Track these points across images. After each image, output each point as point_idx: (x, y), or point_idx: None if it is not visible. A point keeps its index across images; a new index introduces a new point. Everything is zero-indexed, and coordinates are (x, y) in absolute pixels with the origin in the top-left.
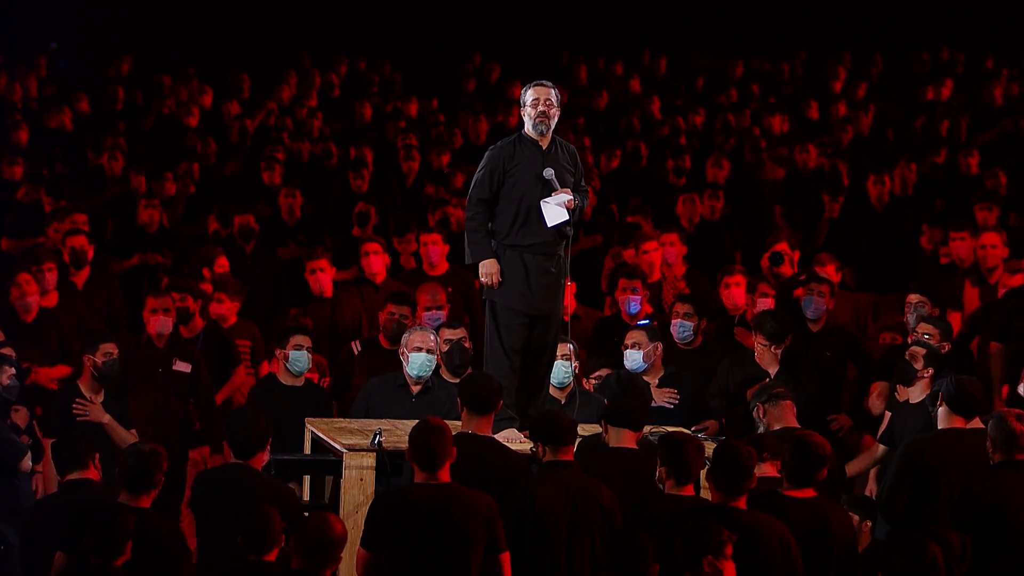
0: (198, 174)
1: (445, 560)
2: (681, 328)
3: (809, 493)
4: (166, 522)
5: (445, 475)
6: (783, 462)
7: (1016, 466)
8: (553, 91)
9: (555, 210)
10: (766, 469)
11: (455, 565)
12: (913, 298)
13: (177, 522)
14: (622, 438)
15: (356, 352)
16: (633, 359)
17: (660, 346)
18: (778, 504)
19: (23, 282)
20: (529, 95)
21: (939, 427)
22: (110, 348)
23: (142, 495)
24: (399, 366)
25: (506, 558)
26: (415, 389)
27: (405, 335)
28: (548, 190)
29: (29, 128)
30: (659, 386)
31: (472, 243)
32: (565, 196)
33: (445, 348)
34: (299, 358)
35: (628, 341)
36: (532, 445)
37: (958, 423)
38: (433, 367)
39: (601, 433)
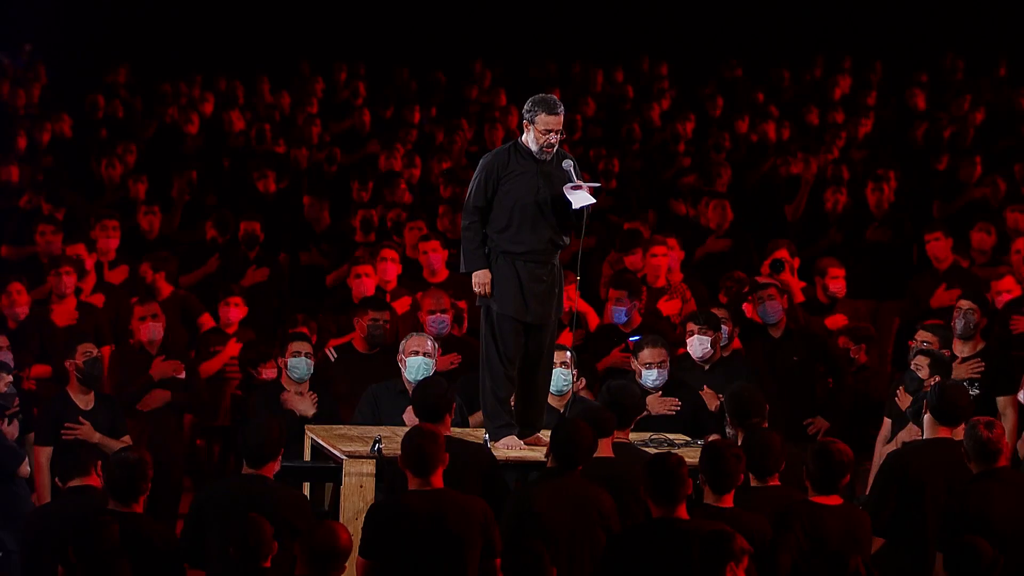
0: (196, 181)
1: (441, 565)
2: (699, 343)
3: (836, 500)
4: (158, 525)
5: (438, 481)
6: (807, 470)
7: (994, 475)
8: (563, 117)
9: (580, 194)
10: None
11: (451, 570)
12: (964, 304)
13: (173, 526)
14: (599, 448)
15: (332, 359)
16: (656, 377)
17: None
18: (809, 513)
19: (14, 291)
20: (540, 120)
21: (924, 436)
22: (88, 348)
23: (132, 503)
24: (377, 371)
25: (500, 563)
26: None
27: (403, 341)
28: (567, 180)
29: (29, 135)
30: (663, 395)
31: (466, 253)
32: (589, 184)
33: None
34: (297, 365)
35: (653, 360)
36: (544, 453)
37: (943, 432)
38: (431, 371)
39: None
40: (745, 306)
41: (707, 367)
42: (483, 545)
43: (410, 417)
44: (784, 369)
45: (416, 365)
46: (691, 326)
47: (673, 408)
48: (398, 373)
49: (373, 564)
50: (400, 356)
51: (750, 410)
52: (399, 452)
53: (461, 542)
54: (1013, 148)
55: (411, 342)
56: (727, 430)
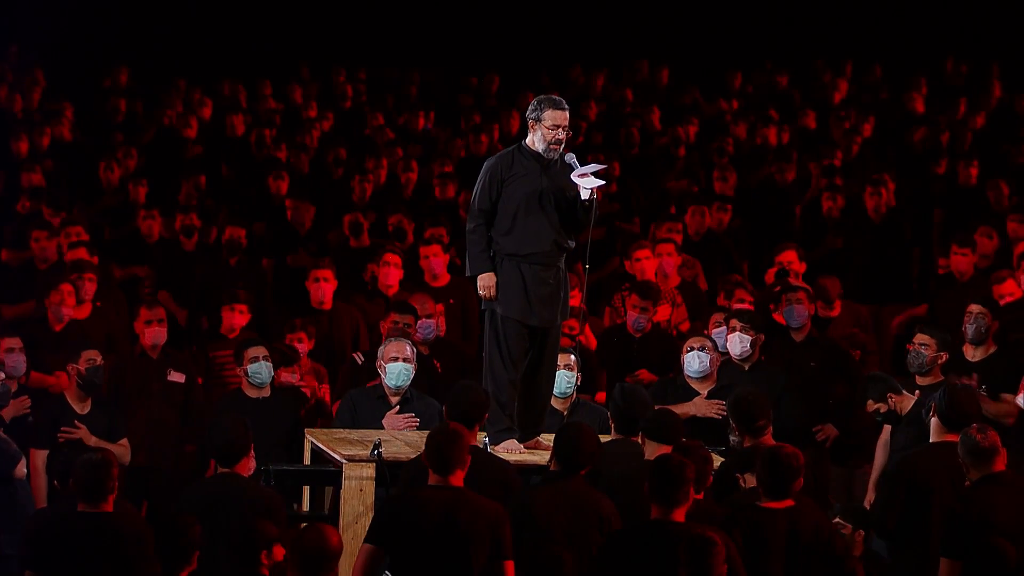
0: (204, 186)
1: (448, 562)
2: (739, 340)
3: (787, 503)
4: (130, 522)
5: (458, 480)
6: (757, 476)
7: (995, 479)
8: (568, 113)
9: (587, 180)
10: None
11: (457, 568)
12: (974, 308)
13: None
14: (660, 451)
15: (360, 363)
16: (698, 360)
17: (720, 358)
18: (753, 516)
19: (65, 292)
20: (548, 116)
21: (931, 440)
22: (92, 355)
23: (100, 502)
24: None
25: (511, 566)
26: (394, 400)
27: (380, 347)
28: (570, 171)
29: (29, 139)
30: (708, 398)
31: (471, 256)
32: (593, 166)
33: None
34: (258, 370)
35: (694, 344)
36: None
37: (950, 437)
38: (411, 377)
39: (613, 441)
40: (772, 306)
41: (746, 367)
42: (492, 546)
43: (390, 422)
44: (800, 374)
45: (397, 371)
46: (734, 323)
47: (720, 411)
48: (426, 375)
49: (376, 551)
50: (379, 362)
51: (755, 414)
52: (400, 455)
53: (469, 541)
54: (1013, 153)
55: (390, 348)
56: (731, 438)
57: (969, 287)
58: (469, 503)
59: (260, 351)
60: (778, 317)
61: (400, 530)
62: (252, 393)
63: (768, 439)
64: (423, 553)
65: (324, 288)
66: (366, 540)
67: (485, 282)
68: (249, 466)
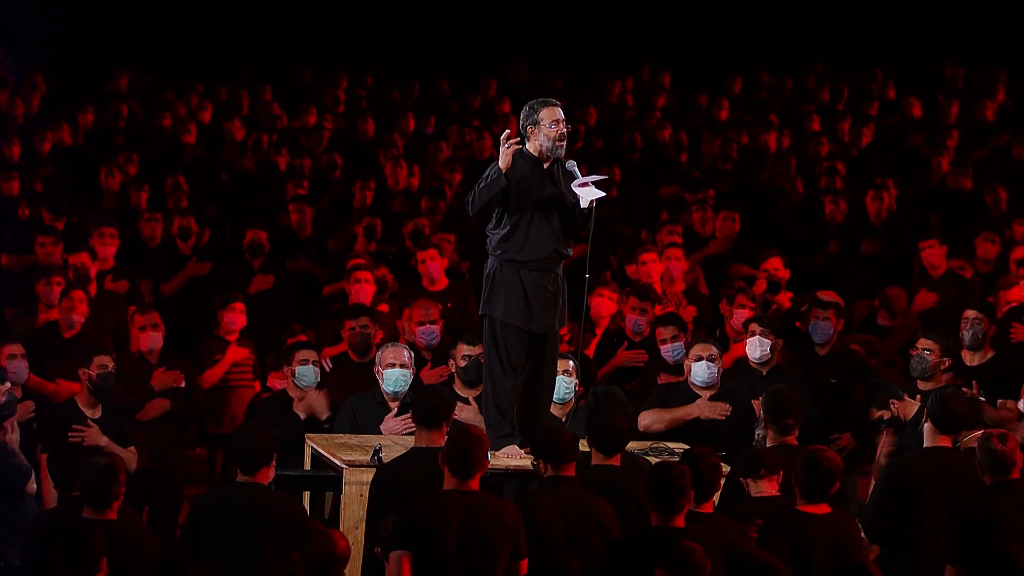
0: (185, 186)
1: (472, 565)
2: (759, 344)
3: (824, 509)
4: (136, 531)
5: (475, 484)
6: (796, 478)
7: (1006, 486)
8: (561, 108)
9: (588, 190)
10: (763, 487)
11: (482, 571)
12: (970, 314)
13: (173, 536)
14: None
15: (328, 368)
16: (707, 370)
17: (723, 366)
18: (794, 521)
19: (76, 299)
20: (545, 115)
21: (924, 444)
22: (105, 360)
23: (106, 509)
24: (370, 379)
25: (525, 564)
26: (393, 406)
27: (379, 352)
28: (571, 179)
29: (27, 143)
30: (711, 399)
31: (485, 188)
32: (594, 176)
33: (463, 363)
34: (305, 372)
35: (703, 353)
36: (533, 459)
37: (943, 441)
38: (409, 382)
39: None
40: (797, 324)
41: (764, 372)
42: (512, 548)
43: (388, 427)
44: (820, 388)
45: (393, 378)
46: (753, 327)
47: (723, 413)
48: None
49: (412, 556)
50: (377, 368)
51: (787, 410)
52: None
53: (492, 545)
54: (1009, 155)
55: (387, 354)
56: (757, 432)
57: (947, 281)
58: (489, 506)
59: (311, 355)
60: (803, 328)
61: (425, 534)
62: (296, 395)
63: (792, 440)
64: (448, 557)
65: (365, 289)
66: (398, 547)
67: (503, 149)
68: (269, 475)
